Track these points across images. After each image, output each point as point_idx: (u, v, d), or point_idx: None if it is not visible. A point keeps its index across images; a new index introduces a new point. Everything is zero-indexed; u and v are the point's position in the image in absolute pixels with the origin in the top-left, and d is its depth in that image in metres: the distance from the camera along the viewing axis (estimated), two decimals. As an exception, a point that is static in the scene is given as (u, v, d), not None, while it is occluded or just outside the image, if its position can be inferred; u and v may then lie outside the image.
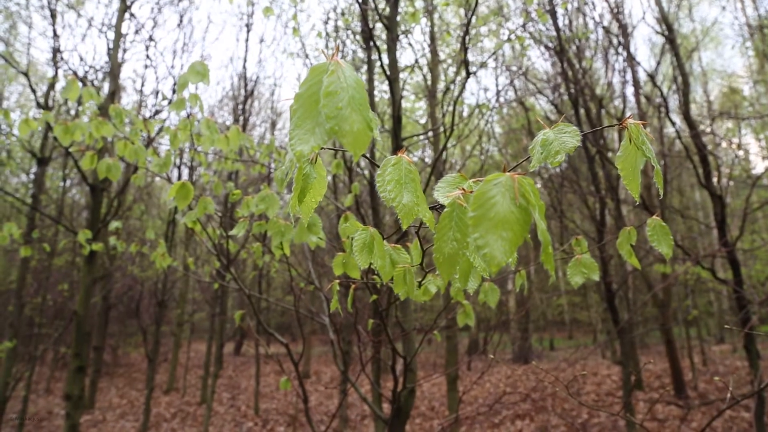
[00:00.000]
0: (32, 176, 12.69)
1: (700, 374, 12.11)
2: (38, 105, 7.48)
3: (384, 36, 7.22)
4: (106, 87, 9.62)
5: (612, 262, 9.87)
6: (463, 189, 0.79)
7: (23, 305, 10.38)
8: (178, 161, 10.93)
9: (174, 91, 10.42)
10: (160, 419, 11.95)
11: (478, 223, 0.66)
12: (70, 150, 2.49)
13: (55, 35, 8.02)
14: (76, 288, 12.20)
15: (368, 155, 5.03)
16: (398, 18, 5.00)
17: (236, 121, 13.36)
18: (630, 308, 9.95)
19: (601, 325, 17.75)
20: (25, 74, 6.95)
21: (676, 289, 14.14)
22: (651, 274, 11.10)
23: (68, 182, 13.50)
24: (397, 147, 4.24)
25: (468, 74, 3.08)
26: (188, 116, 2.50)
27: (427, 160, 13.26)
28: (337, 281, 1.76)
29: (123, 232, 13.50)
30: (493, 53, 3.62)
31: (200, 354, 22.15)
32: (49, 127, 7.59)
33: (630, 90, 11.20)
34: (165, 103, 9.11)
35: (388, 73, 4.02)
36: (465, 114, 11.49)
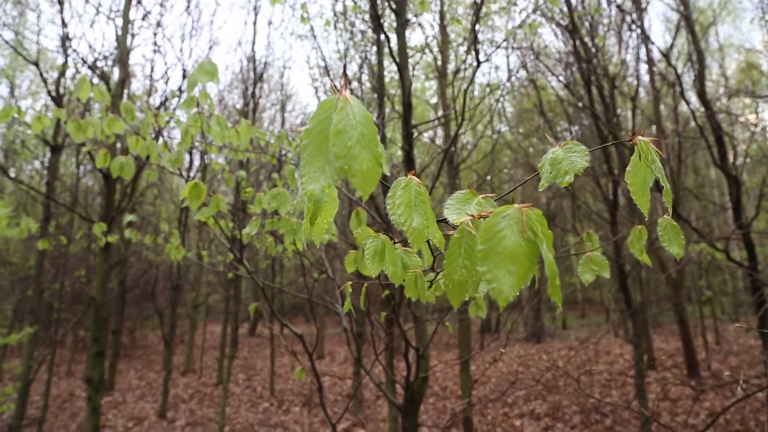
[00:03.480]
0: (46, 164, 12.82)
1: (714, 353, 12.10)
2: (49, 94, 7.52)
3: (393, 17, 7.13)
4: (116, 73, 9.65)
5: (625, 243, 9.80)
6: (472, 216, 0.80)
7: (42, 291, 10.57)
8: (190, 146, 11.00)
9: (184, 76, 10.43)
10: (178, 400, 12.21)
11: (487, 256, 0.67)
12: (84, 148, 2.52)
13: (63, 23, 8.02)
14: (93, 273, 12.40)
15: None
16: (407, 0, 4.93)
17: (246, 105, 13.36)
18: (643, 289, 9.92)
19: (614, 304, 17.73)
20: (35, 64, 6.98)
21: (690, 267, 14.05)
22: (664, 255, 11.02)
23: (81, 169, 13.61)
24: (407, 133, 4.23)
25: (478, 63, 3.05)
26: (198, 112, 2.51)
27: (437, 140, 13.18)
28: (350, 282, 1.78)
29: (137, 217, 13.64)
30: (504, 40, 3.57)
31: (216, 335, 22.49)
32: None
33: (644, 67, 11.02)
34: (175, 101, 9.12)
35: (397, 60, 3.99)
36: (476, 93, 11.38)
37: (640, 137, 0.91)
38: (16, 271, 15.28)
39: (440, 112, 12.48)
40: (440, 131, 12.87)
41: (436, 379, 12.65)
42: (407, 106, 4.15)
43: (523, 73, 11.40)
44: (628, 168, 0.96)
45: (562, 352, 15.31)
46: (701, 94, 6.37)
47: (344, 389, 12.60)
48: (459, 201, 0.96)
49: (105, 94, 2.48)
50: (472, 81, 3.17)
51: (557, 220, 16.63)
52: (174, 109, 8.96)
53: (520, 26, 3.69)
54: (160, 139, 3.61)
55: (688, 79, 9.91)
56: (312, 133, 0.69)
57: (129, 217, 3.68)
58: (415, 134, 4.78)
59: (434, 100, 16.67)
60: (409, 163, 4.04)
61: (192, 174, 12.73)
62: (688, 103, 6.28)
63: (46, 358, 9.79)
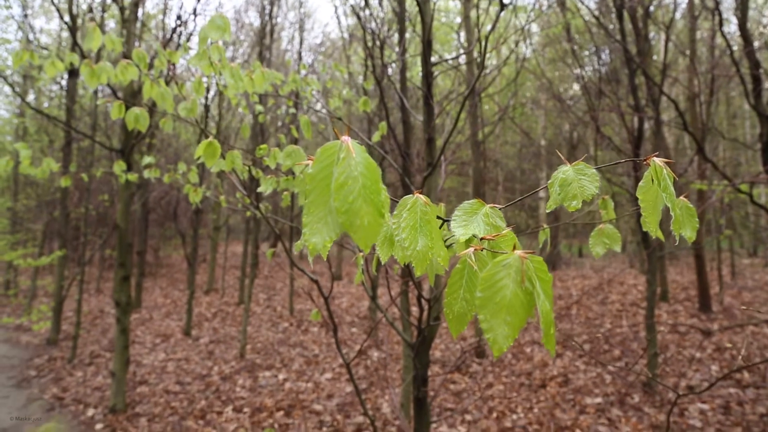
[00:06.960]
0: (65, 86, 12.77)
1: (728, 288, 12.17)
2: (61, 18, 7.38)
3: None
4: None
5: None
6: (475, 247, 0.80)
7: (68, 214, 10.89)
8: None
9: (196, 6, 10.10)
10: (201, 318, 12.81)
11: (484, 305, 0.68)
12: (99, 101, 2.50)
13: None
14: (116, 196, 12.69)
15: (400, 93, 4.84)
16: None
17: (263, 26, 12.98)
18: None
19: (631, 236, 17.73)
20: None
21: (711, 201, 13.84)
22: (685, 190, 10.85)
23: (100, 90, 13.56)
24: (427, 72, 4.11)
25: (502, 7, 2.90)
26: (210, 63, 2.46)
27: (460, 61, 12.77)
28: (361, 254, 1.80)
29: (156, 142, 13.71)
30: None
31: (237, 255, 23.13)
32: (75, 44, 7.52)
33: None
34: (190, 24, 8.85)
35: (417, -5, 3.80)
36: (502, 14, 10.84)
37: (655, 158, 0.89)
38: (43, 194, 15.69)
39: (463, 35, 12.00)
40: (463, 55, 12.43)
41: (450, 304, 12.98)
42: (427, 44, 4.00)
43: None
44: (640, 184, 0.95)
45: (576, 281, 15.55)
46: (742, 27, 6.00)
47: (361, 310, 13.04)
48: (466, 212, 0.96)
49: (116, 42, 2.44)
50: (495, 25, 3.03)
51: (578, 152, 16.34)
52: (188, 37, 8.75)
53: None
54: (173, 86, 3.56)
55: (729, 2, 9.29)
56: (315, 179, 0.69)
57: (147, 159, 3.71)
58: (436, 74, 4.63)
59: (458, 20, 15.97)
60: (427, 105, 3.95)
61: (209, 97, 12.62)
62: (725, 38, 5.93)
63: (75, 278, 10.25)
